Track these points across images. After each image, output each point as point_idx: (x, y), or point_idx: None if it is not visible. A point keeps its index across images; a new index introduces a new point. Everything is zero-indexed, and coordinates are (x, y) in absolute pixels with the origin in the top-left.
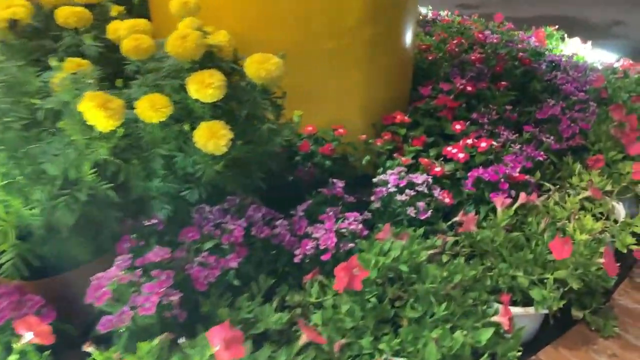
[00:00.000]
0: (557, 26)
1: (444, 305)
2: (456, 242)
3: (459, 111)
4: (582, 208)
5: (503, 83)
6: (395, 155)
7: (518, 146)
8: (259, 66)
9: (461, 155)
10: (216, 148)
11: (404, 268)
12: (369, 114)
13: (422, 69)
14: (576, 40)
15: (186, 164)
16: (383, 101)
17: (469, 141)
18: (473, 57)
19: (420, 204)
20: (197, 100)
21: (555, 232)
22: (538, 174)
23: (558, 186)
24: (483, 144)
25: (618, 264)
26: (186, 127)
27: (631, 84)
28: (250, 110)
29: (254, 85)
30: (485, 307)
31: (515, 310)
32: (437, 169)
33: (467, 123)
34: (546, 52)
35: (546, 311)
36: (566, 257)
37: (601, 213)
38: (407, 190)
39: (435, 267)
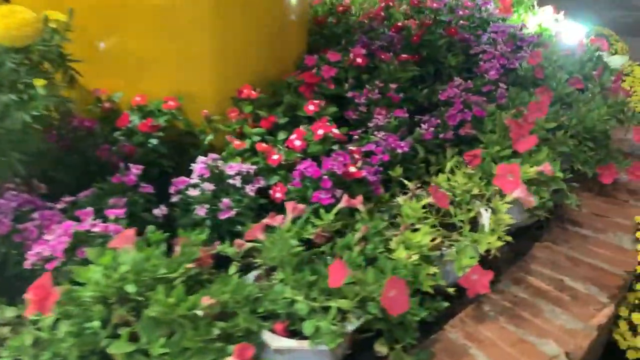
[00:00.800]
0: None
1: (162, 340)
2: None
3: (325, 88)
4: (445, 214)
5: (404, 56)
6: (227, 137)
7: (381, 134)
8: None
9: (298, 143)
10: None
11: (130, 288)
12: (228, 85)
13: (336, 35)
14: (548, 9)
15: None
16: (251, 71)
17: (320, 127)
18: (401, 25)
19: (225, 201)
20: None
21: (379, 244)
22: (398, 170)
23: (419, 186)
24: (320, 131)
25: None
26: None
27: (575, 64)
28: None
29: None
30: (223, 344)
31: (288, 343)
32: (275, 157)
33: (321, 104)
34: (497, 22)
35: (324, 347)
36: (338, 285)
37: (462, 221)
38: (205, 184)
39: (164, 289)
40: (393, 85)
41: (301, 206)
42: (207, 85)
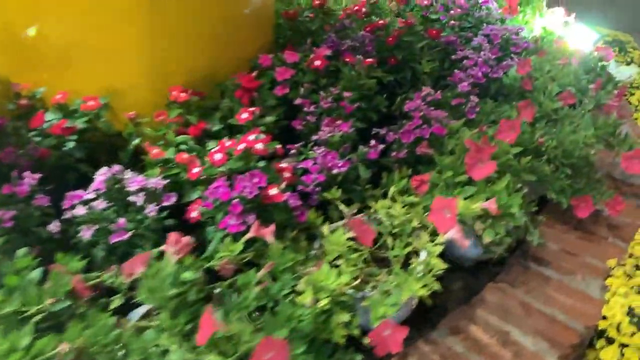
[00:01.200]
0: None
1: None
2: None
3: (266, 94)
4: (381, 246)
5: (369, 60)
6: (146, 145)
7: (321, 150)
8: None
9: (218, 157)
10: None
11: None
12: (167, 84)
13: (310, 32)
14: (558, 10)
15: None
16: (193, 69)
17: (252, 137)
18: (382, 22)
19: (121, 221)
20: None
21: (289, 283)
22: (335, 192)
23: (354, 212)
24: (241, 145)
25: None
26: None
27: (569, 75)
28: None
29: None
30: None
31: None
32: (196, 170)
33: (256, 112)
34: (494, 23)
35: None
36: (204, 343)
37: (396, 257)
38: (98, 201)
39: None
40: (347, 94)
41: (186, 239)
42: (140, 83)
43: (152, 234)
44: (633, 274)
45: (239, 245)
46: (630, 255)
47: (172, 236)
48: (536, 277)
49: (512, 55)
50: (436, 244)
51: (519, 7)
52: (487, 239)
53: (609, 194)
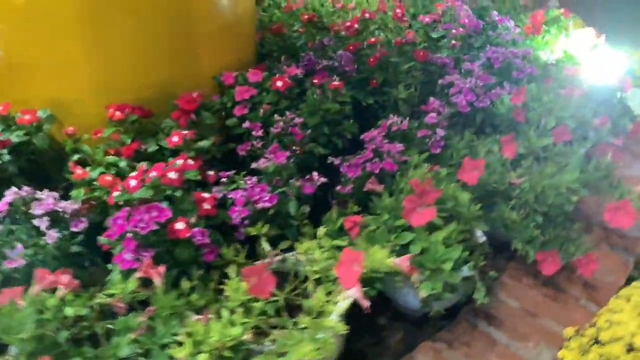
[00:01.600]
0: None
1: None
2: None
3: (208, 117)
4: (300, 293)
5: (335, 83)
6: (70, 165)
7: (253, 180)
8: None
9: (133, 183)
10: None
11: None
12: (116, 99)
13: (295, 48)
14: (588, 31)
15: None
16: (146, 84)
17: (179, 162)
18: (357, 44)
19: (19, 247)
20: None
21: (171, 331)
22: (261, 227)
23: (276, 252)
24: (153, 173)
25: None
26: None
27: (569, 107)
28: None
29: None
30: None
31: None
32: (116, 194)
33: (187, 135)
34: (504, 44)
35: None
36: None
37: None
38: None
39: None
40: (299, 119)
41: (51, 277)
42: (85, 98)
43: (54, 261)
44: (589, 349)
45: (132, 283)
46: (593, 325)
47: (40, 272)
48: (482, 339)
49: (507, 82)
50: (345, 299)
51: (544, 26)
52: (423, 293)
53: (584, 249)
